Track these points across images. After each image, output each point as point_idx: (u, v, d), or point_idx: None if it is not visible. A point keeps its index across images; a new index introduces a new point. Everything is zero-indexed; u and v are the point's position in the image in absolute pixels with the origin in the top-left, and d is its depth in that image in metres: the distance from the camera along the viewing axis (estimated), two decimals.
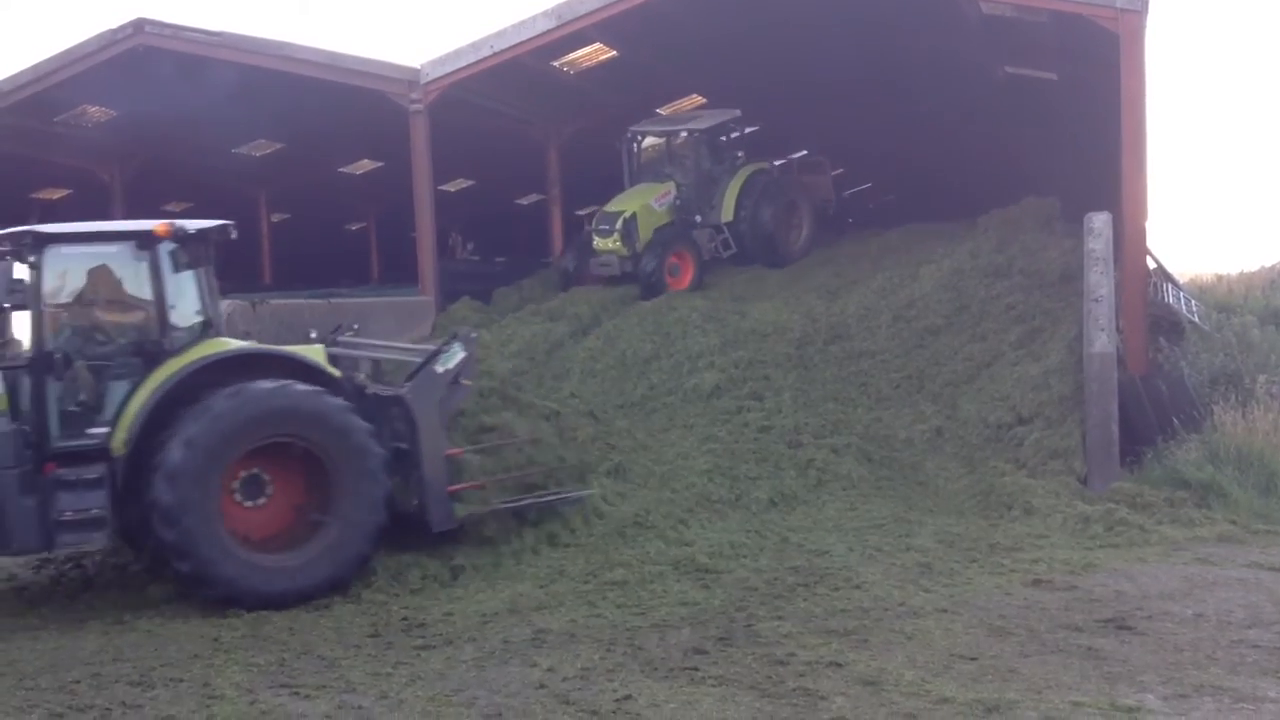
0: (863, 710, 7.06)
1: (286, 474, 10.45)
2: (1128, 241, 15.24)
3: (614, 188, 22.08)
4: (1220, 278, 27.45)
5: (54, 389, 9.79)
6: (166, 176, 29.80)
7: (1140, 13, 15.07)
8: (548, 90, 23.20)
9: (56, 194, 31.50)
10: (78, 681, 7.91)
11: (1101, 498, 12.81)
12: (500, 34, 19.91)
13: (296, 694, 7.60)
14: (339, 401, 10.44)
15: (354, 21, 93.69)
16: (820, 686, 7.50)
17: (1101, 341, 14.02)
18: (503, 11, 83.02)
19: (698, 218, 21.48)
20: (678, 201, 21.38)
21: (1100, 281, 14.38)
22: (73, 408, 9.95)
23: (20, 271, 9.91)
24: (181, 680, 7.90)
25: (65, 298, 10.25)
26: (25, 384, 9.80)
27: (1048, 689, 7.44)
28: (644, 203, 20.95)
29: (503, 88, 21.82)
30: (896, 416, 15.22)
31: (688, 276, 20.52)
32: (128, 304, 10.54)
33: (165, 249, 10.32)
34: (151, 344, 10.22)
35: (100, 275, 10.41)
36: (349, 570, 10.29)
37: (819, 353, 16.89)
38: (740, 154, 22.71)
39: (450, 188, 34.20)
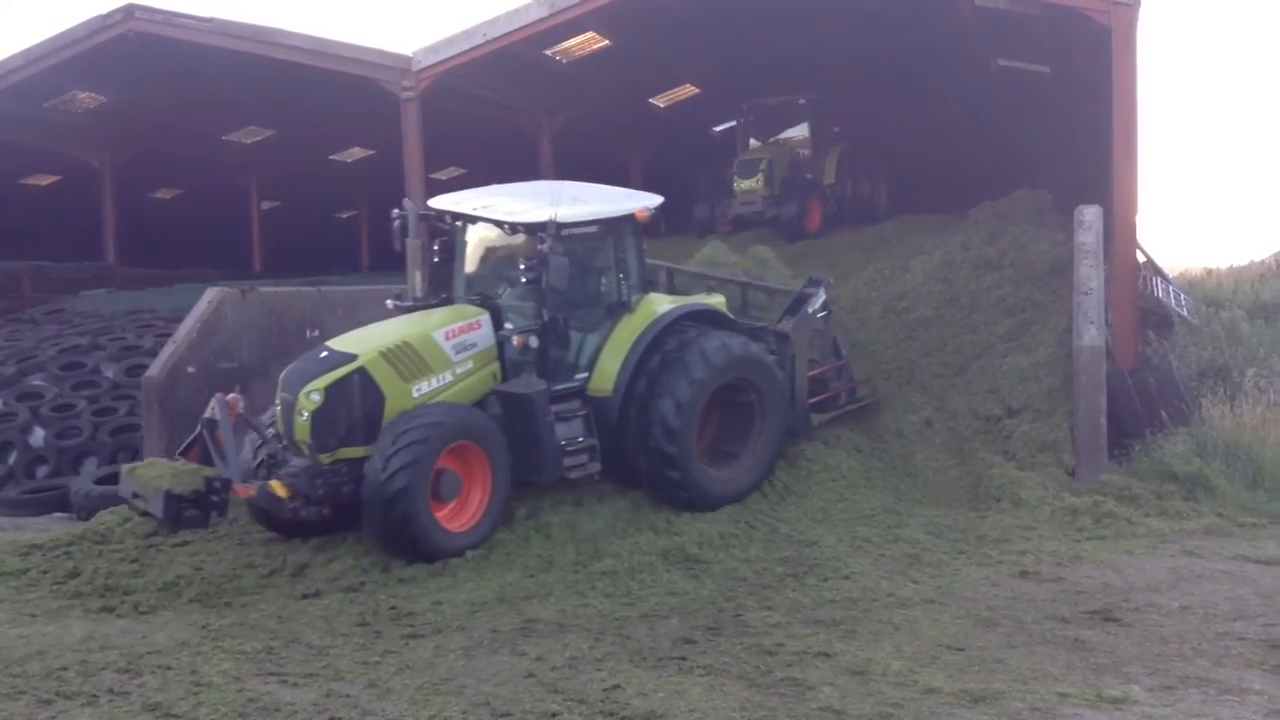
0: (850, 700, 7.08)
1: None
2: (1118, 235, 15.27)
3: (606, 176, 22.04)
4: (1210, 272, 27.51)
5: (552, 347, 11.88)
6: (157, 163, 29.68)
7: (1133, 6, 15.07)
8: (540, 79, 23.15)
9: (46, 180, 31.36)
10: (65, 668, 7.89)
11: (1089, 490, 12.86)
12: (493, 22, 19.86)
13: (285, 682, 7.59)
14: (768, 351, 13.16)
15: (348, 8, 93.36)
16: (808, 676, 7.53)
17: (1091, 334, 14.06)
18: None
19: (808, 175, 24.09)
20: (797, 157, 24.38)
21: (1090, 275, 14.41)
22: (562, 358, 12.11)
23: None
24: (169, 668, 7.89)
25: (569, 273, 11.73)
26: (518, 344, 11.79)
27: (1034, 680, 7.48)
28: (774, 154, 23.88)
29: (495, 76, 21.78)
30: (886, 408, 15.23)
31: (817, 219, 23.19)
32: (602, 272, 12.62)
33: (631, 225, 12.46)
34: (618, 304, 12.44)
35: (590, 251, 12.45)
36: (760, 480, 12.84)
37: None
38: (836, 129, 25.28)
39: (442, 176, 34.08)
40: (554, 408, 11.68)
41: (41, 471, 17.38)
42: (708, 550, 10.90)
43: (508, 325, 11.89)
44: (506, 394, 11.57)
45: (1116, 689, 7.28)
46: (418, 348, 11.43)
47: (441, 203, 12.58)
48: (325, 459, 10.89)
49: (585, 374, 12.26)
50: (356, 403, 11.02)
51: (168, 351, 15.66)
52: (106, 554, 11.37)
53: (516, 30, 19.77)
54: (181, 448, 11.94)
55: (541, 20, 19.70)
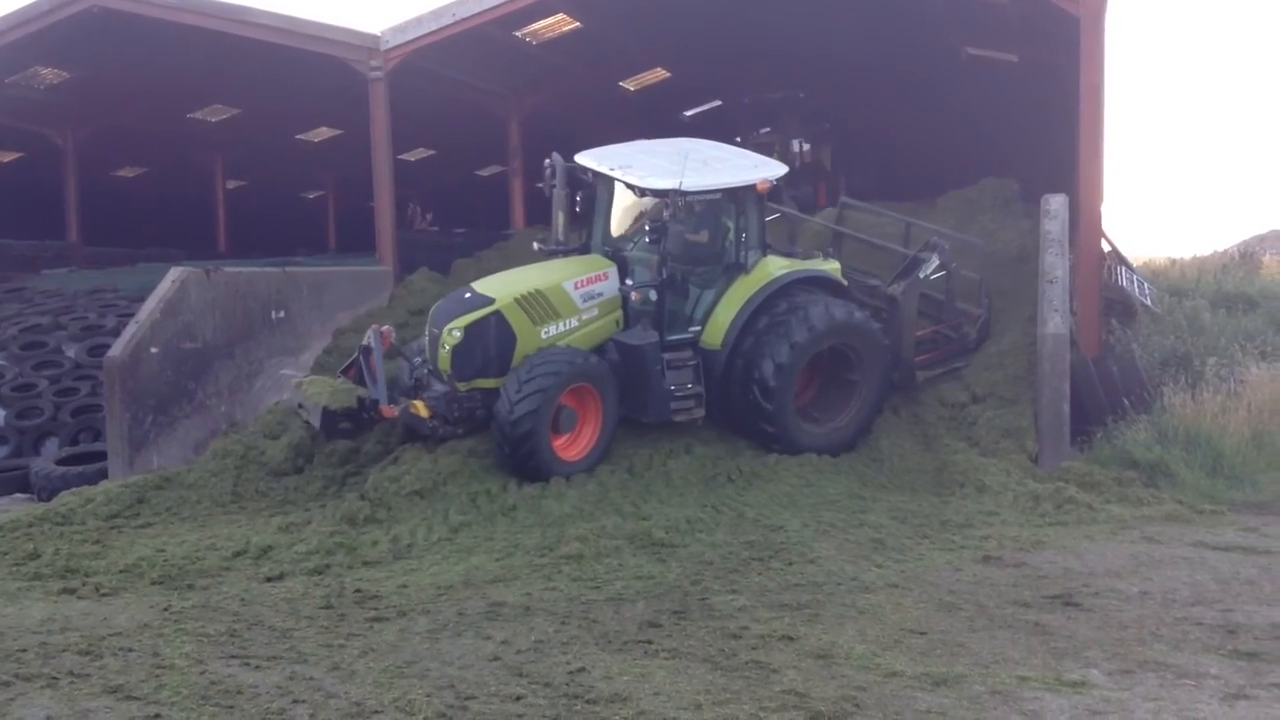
0: (814, 683, 7.12)
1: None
2: (1083, 224, 15.38)
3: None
4: (1173, 261, 27.81)
5: (670, 300, 13.10)
6: (120, 140, 29.30)
7: None
8: (510, 60, 23.01)
9: (8, 157, 30.89)
10: (25, 650, 7.81)
11: (1052, 476, 12.98)
12: (462, 2, 19.68)
13: (247, 665, 7.55)
14: (871, 319, 14.09)
15: None
16: (772, 659, 7.57)
17: (1055, 322, 14.17)
18: None
19: (807, 153, 26.46)
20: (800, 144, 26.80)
21: (1055, 263, 14.52)
22: (679, 311, 13.33)
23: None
24: (131, 650, 7.83)
25: (690, 235, 13.00)
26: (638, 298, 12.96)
27: (995, 663, 7.55)
28: (781, 140, 25.97)
29: (465, 57, 21.61)
30: None
31: (823, 198, 24.95)
32: (723, 235, 13.65)
33: (753, 193, 13.36)
34: (736, 265, 13.51)
35: (715, 214, 13.51)
36: (855, 440, 13.88)
37: None
38: (827, 125, 27.12)
39: (410, 157, 33.90)
40: (667, 356, 12.93)
41: (1, 452, 17.17)
42: (674, 534, 10.92)
43: (628, 281, 13.11)
44: (622, 343, 12.94)
45: (1076, 673, 7.36)
46: (549, 295, 12.78)
47: (585, 159, 13.71)
48: (462, 387, 12.47)
49: (699, 327, 13.43)
50: (492, 341, 12.51)
51: (130, 331, 15.48)
52: (67, 535, 11.29)
53: (486, 10, 19.62)
54: (342, 368, 13.67)
55: (511, 1, 19.57)
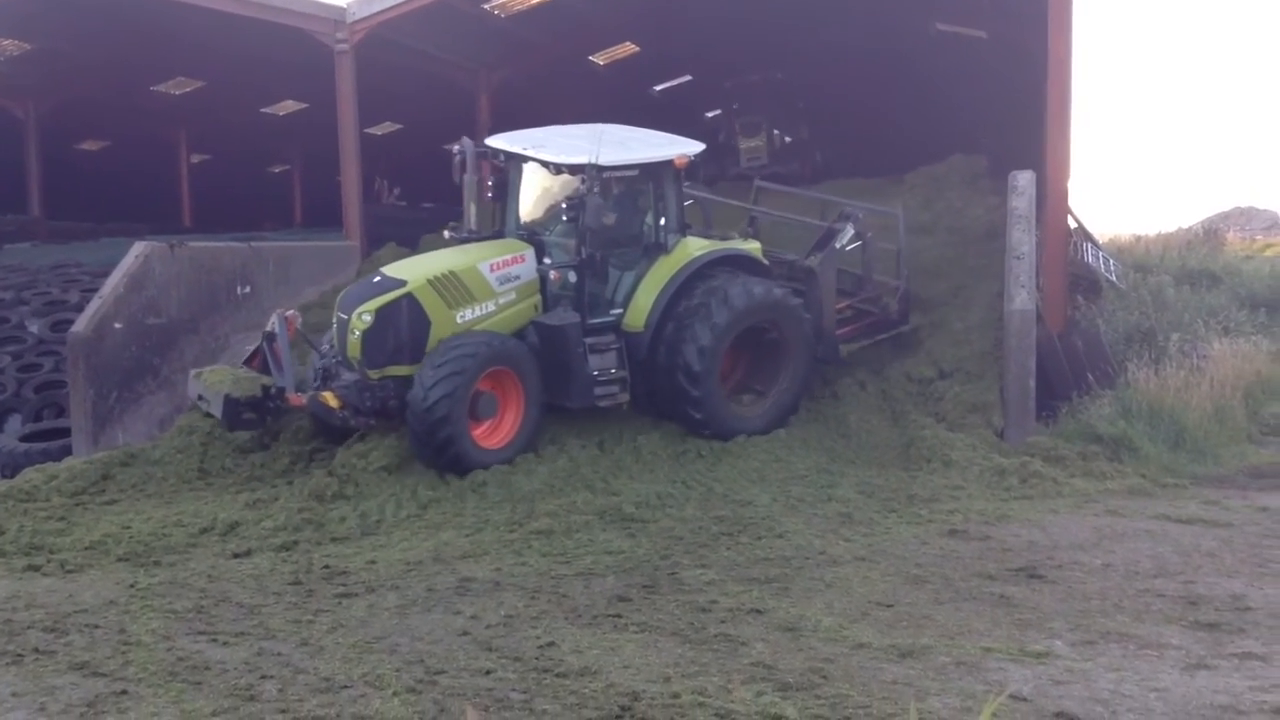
0: (782, 655, 7.18)
1: None
2: (1050, 201, 15.45)
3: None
4: (1139, 238, 28.12)
5: (590, 282, 12.70)
6: (83, 113, 28.88)
7: None
8: (479, 33, 22.81)
9: None
10: None
11: (1017, 451, 13.10)
12: None
13: (215, 641, 7.52)
14: (794, 296, 13.80)
15: None
16: (741, 633, 7.62)
17: (1021, 299, 14.26)
18: None
19: (788, 139, 26.65)
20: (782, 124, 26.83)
21: (1022, 239, 14.59)
22: (600, 294, 12.94)
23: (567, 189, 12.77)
24: (97, 627, 7.78)
25: (607, 213, 12.69)
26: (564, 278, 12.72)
27: (960, 635, 7.63)
28: (768, 120, 25.92)
29: (433, 29, 21.40)
30: (822, 370, 15.32)
31: (809, 174, 24.82)
32: (643, 214, 13.36)
33: (670, 171, 13.08)
34: (655, 245, 13.25)
35: (633, 195, 13.22)
36: (786, 418, 13.67)
37: None
38: (801, 104, 26.91)
39: (377, 131, 33.59)
40: (589, 340, 12.58)
41: None
42: (644, 510, 10.96)
43: (547, 260, 12.74)
44: (542, 325, 12.52)
45: (1039, 643, 7.45)
46: (463, 278, 12.33)
47: (496, 141, 13.37)
48: (374, 375, 11.93)
49: (620, 310, 13.09)
50: (404, 325, 12.00)
51: (94, 307, 15.31)
52: (32, 512, 11.18)
53: None
54: (245, 358, 13.06)
55: None
